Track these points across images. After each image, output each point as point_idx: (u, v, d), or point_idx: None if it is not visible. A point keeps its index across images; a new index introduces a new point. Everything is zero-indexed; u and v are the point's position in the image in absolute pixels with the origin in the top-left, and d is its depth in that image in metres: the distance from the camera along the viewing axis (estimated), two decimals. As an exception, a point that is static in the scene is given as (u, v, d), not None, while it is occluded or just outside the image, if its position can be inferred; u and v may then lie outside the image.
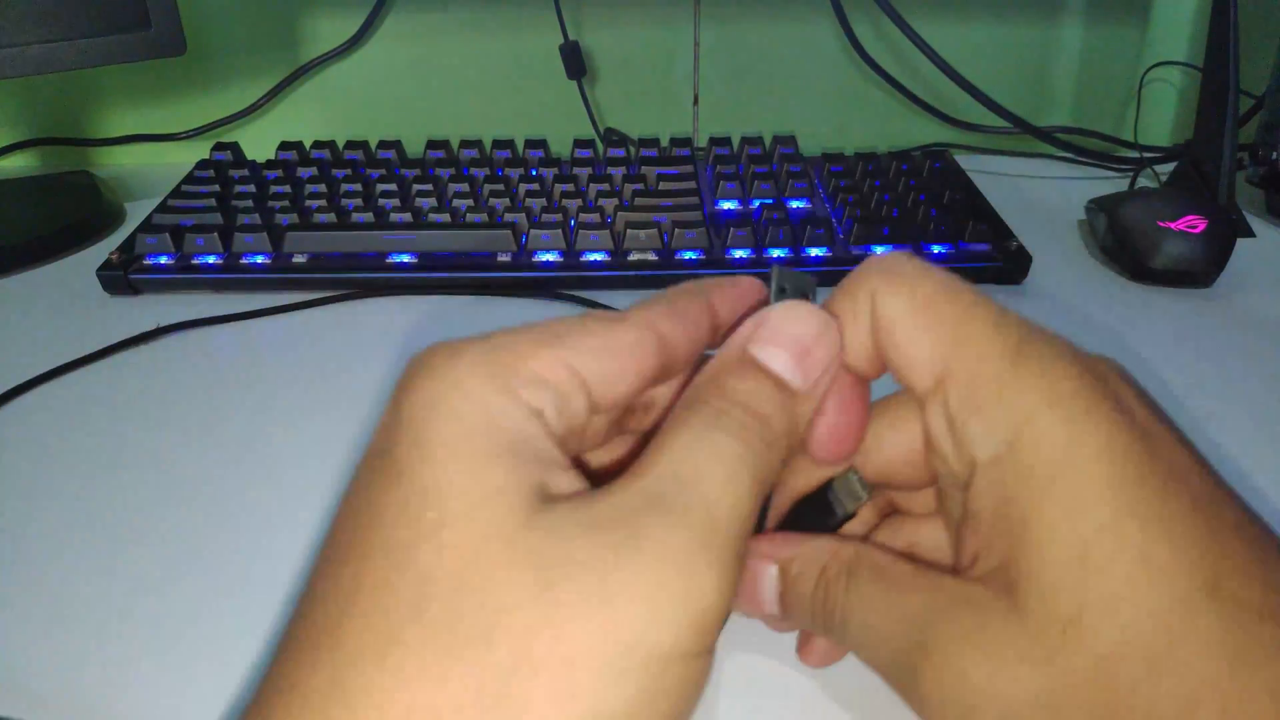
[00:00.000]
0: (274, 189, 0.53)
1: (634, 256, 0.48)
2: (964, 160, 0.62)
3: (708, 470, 0.19)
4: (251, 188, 0.53)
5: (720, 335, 0.23)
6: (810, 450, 0.23)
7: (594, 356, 0.20)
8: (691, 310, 0.22)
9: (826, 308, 0.23)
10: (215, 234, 0.49)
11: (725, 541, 0.18)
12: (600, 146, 0.57)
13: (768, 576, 0.23)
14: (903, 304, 0.21)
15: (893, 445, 0.23)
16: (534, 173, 0.55)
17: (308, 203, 0.52)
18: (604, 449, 0.24)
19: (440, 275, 0.48)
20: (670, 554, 0.17)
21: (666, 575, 0.17)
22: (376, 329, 0.45)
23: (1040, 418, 0.19)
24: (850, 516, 0.24)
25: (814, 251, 0.48)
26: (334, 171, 0.55)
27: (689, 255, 0.48)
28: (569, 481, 0.19)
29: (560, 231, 0.49)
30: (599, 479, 0.20)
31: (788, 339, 0.21)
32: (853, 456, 0.23)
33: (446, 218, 0.50)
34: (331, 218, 0.50)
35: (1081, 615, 0.18)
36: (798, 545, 0.23)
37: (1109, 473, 0.18)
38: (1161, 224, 0.48)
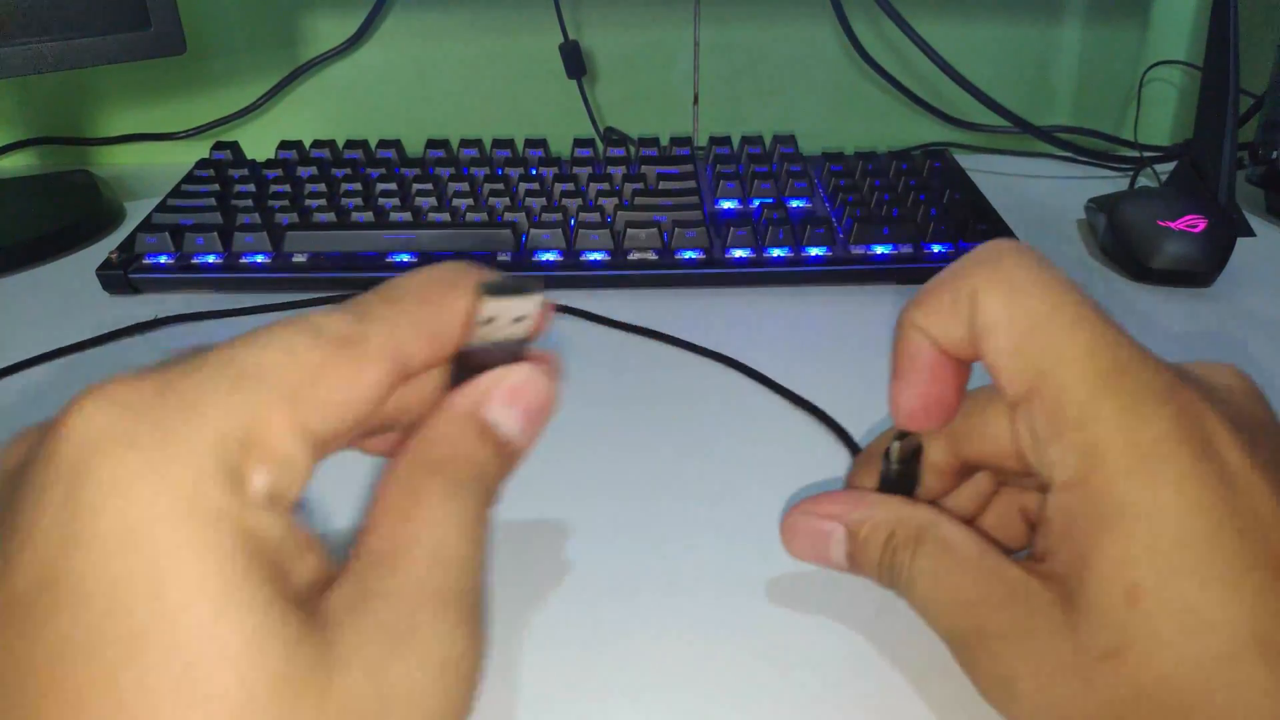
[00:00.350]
0: (274, 188, 0.53)
1: (634, 256, 0.48)
2: (964, 160, 0.62)
3: (453, 541, 0.19)
4: (251, 187, 0.53)
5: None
6: (897, 419, 0.24)
7: (328, 408, 0.17)
8: (438, 322, 0.20)
9: (926, 292, 0.23)
10: (215, 233, 0.49)
11: (473, 598, 0.19)
12: (600, 146, 0.57)
13: (835, 538, 0.24)
14: (1002, 311, 0.21)
15: (988, 434, 0.23)
16: (534, 172, 0.55)
17: (308, 202, 0.52)
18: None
19: (440, 275, 0.48)
20: (441, 636, 0.18)
21: (445, 654, 0.17)
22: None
23: (1116, 458, 0.19)
24: (898, 474, 0.25)
25: (814, 251, 0.48)
26: (334, 171, 0.55)
27: (689, 255, 0.49)
28: (313, 567, 0.17)
29: (560, 231, 0.49)
30: None
31: (522, 404, 0.21)
32: (940, 427, 0.24)
33: (446, 217, 0.50)
34: (331, 217, 0.50)
35: (1121, 651, 0.18)
36: (868, 507, 0.24)
37: (1175, 527, 0.18)
38: (1161, 224, 0.48)
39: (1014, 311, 0.21)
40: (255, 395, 0.15)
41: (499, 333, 0.21)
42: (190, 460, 0.14)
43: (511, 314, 0.21)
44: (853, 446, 0.36)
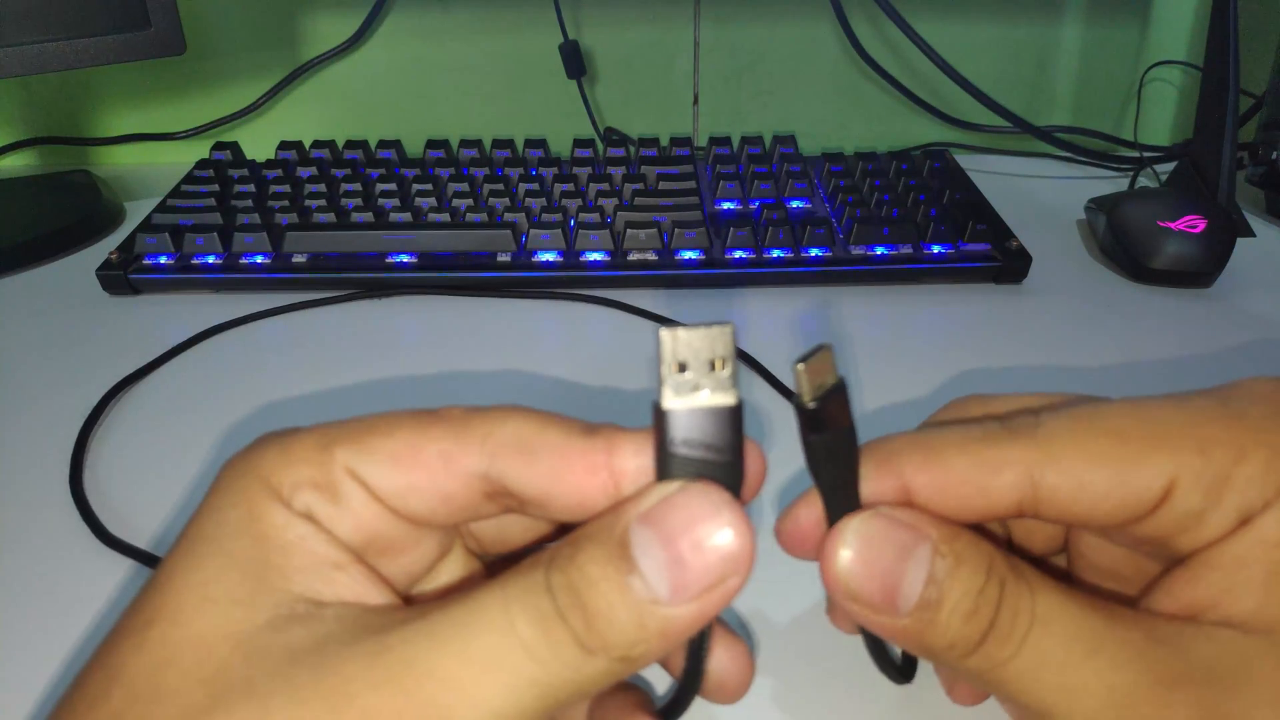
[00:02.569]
0: (274, 189, 0.53)
1: (634, 256, 0.48)
2: (964, 160, 0.62)
3: (481, 650, 0.15)
4: (251, 187, 0.53)
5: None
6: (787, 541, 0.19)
7: (384, 463, 0.17)
8: (537, 417, 0.17)
9: (937, 467, 0.18)
10: (215, 234, 0.49)
11: None
12: (600, 146, 0.57)
13: (918, 560, 0.16)
14: (1197, 497, 0.17)
15: (986, 495, 0.18)
16: (534, 172, 0.55)
17: (307, 202, 0.52)
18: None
19: (440, 275, 0.48)
20: (359, 714, 0.14)
21: None
22: (375, 330, 0.45)
23: None
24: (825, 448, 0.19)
25: (813, 251, 0.48)
26: (334, 171, 0.55)
27: (689, 255, 0.49)
28: (349, 588, 0.17)
29: (560, 231, 0.49)
30: None
31: (673, 531, 0.15)
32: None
33: (446, 218, 0.50)
34: (331, 218, 0.50)
35: None
36: (950, 525, 0.17)
37: None
38: (1161, 224, 0.48)
39: (1197, 481, 0.17)
40: (321, 434, 0.18)
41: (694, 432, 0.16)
42: (242, 470, 0.18)
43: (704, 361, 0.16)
44: None
